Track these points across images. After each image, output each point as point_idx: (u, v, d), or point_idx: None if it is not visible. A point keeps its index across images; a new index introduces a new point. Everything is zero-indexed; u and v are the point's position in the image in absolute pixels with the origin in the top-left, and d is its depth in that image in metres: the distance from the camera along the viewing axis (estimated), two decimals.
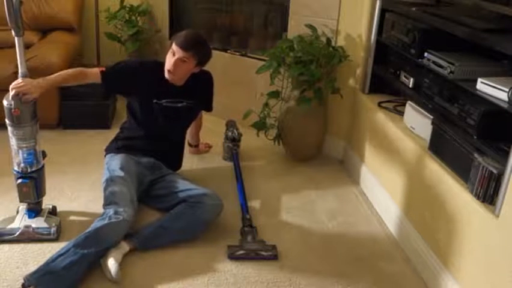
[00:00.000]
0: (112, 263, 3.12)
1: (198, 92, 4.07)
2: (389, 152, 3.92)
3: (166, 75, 3.82)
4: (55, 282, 2.98)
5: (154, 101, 3.92)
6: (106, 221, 3.27)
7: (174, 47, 3.74)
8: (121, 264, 3.21)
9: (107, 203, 3.47)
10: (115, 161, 3.82)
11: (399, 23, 3.87)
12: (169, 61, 3.77)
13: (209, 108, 4.41)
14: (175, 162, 4.18)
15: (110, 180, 3.63)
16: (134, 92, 3.97)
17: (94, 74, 3.79)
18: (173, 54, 3.75)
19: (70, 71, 3.74)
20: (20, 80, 3.30)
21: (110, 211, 3.35)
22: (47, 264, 3.01)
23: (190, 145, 4.80)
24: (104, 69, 3.85)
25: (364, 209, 4.13)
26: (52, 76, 3.59)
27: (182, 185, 3.79)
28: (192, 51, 3.74)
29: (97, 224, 3.27)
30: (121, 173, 3.67)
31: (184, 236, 3.54)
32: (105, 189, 3.60)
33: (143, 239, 3.42)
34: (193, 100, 4.03)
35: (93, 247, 3.11)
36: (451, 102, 3.15)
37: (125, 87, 3.98)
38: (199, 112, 4.37)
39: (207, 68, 4.00)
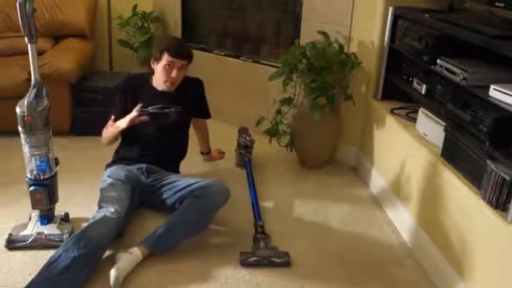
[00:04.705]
0: (112, 273, 3.13)
1: (188, 98, 4.13)
2: (402, 159, 3.91)
3: (166, 86, 3.96)
4: None
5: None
6: (90, 222, 3.32)
7: (171, 59, 3.85)
8: (133, 272, 3.24)
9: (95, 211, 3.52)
10: (107, 173, 3.90)
11: (412, 29, 3.86)
12: (169, 73, 3.90)
13: (206, 115, 4.47)
14: (172, 169, 4.18)
15: (100, 190, 3.70)
16: (130, 107, 4.02)
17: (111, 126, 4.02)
18: (170, 65, 3.88)
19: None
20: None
21: (94, 213, 3.43)
22: (41, 274, 3.01)
23: (202, 153, 4.80)
24: (113, 117, 4.00)
25: (377, 216, 4.12)
26: (113, 127, 3.97)
27: (184, 182, 3.81)
28: (190, 57, 3.95)
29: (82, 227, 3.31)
30: (109, 180, 3.74)
31: (196, 227, 3.57)
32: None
33: (155, 240, 3.42)
34: (181, 105, 4.06)
35: (82, 249, 3.10)
36: (464, 109, 3.14)
37: (126, 110, 4.02)
38: (191, 118, 4.35)
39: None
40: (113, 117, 3.98)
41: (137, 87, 4.05)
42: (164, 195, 3.84)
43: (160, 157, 4.02)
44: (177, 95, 4.03)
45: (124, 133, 4.00)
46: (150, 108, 3.94)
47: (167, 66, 3.86)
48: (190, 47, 4.09)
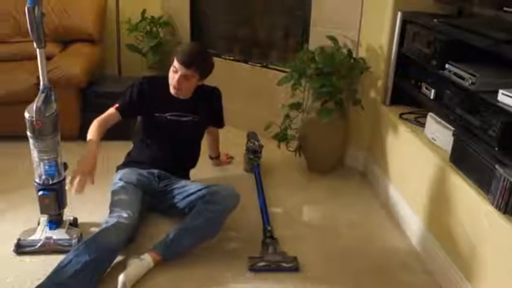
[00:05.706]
0: (120, 279, 3.13)
1: (204, 107, 4.10)
2: (410, 164, 3.91)
3: (172, 90, 3.89)
4: None
5: (157, 114, 3.97)
6: (102, 227, 3.33)
7: (176, 63, 3.78)
8: (141, 278, 3.24)
9: (108, 215, 3.51)
10: (118, 175, 3.90)
11: (421, 34, 3.86)
12: (173, 78, 3.84)
13: (220, 125, 4.47)
14: (182, 176, 4.14)
15: (111, 194, 3.71)
16: (144, 109, 4.03)
17: (111, 115, 3.96)
18: (176, 71, 3.80)
19: (93, 128, 3.85)
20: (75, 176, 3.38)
21: (107, 217, 3.44)
22: (50, 278, 3.01)
23: (211, 157, 4.81)
24: (117, 105, 3.97)
25: (385, 221, 4.11)
26: (90, 143, 3.71)
27: (194, 187, 3.80)
28: (194, 68, 3.80)
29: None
30: (121, 183, 3.76)
31: (207, 233, 3.56)
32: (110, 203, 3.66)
33: (167, 245, 3.42)
34: (199, 115, 4.05)
35: (94, 253, 3.11)
36: (472, 114, 3.13)
37: (137, 110, 4.06)
38: (207, 127, 4.34)
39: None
40: (116, 105, 3.97)
41: (155, 91, 4.00)
42: (175, 200, 3.83)
43: (171, 164, 4.01)
44: (194, 104, 4.01)
45: (141, 136, 4.04)
46: (168, 114, 3.94)
47: (173, 70, 3.83)
48: (204, 60, 3.93)
